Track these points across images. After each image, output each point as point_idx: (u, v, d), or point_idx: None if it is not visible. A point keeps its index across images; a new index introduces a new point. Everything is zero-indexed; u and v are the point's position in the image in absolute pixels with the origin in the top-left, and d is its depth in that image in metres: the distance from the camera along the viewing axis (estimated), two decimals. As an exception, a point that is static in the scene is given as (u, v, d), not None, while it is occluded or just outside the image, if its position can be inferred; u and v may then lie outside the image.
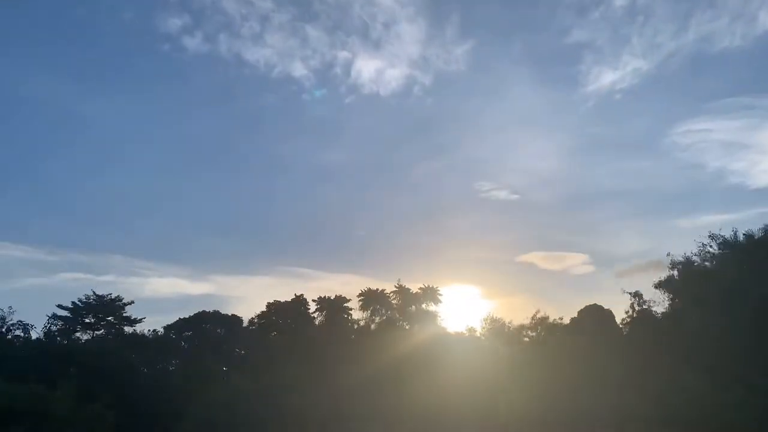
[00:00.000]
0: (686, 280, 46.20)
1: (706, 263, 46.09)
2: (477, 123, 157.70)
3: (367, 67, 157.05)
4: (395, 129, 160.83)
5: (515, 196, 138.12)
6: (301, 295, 71.33)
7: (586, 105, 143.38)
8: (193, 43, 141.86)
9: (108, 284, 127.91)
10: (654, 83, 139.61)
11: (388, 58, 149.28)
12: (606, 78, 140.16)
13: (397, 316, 71.55)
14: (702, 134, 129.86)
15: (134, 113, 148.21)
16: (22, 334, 55.03)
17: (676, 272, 47.29)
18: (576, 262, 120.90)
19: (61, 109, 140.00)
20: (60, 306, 63.38)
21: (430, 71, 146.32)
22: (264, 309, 70.71)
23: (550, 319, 60.74)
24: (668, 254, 47.97)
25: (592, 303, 58.29)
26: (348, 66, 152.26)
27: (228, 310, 71.08)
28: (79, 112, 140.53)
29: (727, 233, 45.96)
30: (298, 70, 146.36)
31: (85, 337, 63.79)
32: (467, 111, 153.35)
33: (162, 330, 66.85)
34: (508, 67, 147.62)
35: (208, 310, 68.96)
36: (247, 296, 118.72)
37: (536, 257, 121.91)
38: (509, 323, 64.10)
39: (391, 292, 72.62)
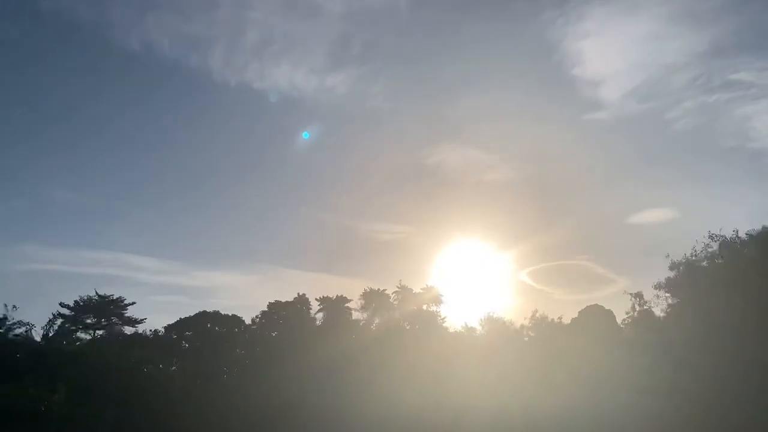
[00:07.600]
0: (686, 280, 46.01)
1: (706, 263, 45.85)
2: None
3: None
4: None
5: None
6: (303, 294, 71.18)
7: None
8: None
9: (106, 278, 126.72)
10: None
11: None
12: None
13: (398, 316, 71.41)
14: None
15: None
16: (23, 332, 54.94)
17: (676, 272, 47.08)
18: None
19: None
20: (62, 304, 63.57)
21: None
22: (265, 309, 70.74)
23: (550, 319, 60.76)
24: (667, 256, 47.81)
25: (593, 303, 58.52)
26: None
27: (228, 309, 71.13)
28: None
29: (728, 233, 45.77)
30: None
31: (87, 337, 63.92)
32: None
33: (163, 330, 66.96)
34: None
35: (208, 310, 68.95)
36: (247, 295, 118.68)
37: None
38: (509, 323, 64.12)
39: (393, 292, 72.49)
